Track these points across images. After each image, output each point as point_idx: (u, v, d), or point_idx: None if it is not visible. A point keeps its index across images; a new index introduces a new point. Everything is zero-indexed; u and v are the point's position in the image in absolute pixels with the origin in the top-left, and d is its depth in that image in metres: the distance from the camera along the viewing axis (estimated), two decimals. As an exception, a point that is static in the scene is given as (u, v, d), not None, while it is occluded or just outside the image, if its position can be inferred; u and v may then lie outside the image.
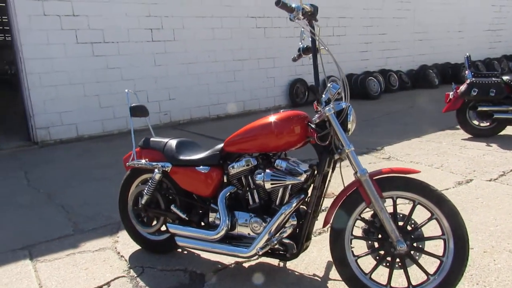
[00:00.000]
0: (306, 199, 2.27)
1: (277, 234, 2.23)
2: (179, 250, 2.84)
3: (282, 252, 2.33)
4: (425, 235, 2.13)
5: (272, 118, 2.27)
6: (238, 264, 2.64)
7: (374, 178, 2.11)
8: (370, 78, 10.00)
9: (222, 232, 2.35)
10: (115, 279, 2.57)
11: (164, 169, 2.59)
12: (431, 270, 2.08)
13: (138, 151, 2.78)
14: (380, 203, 2.04)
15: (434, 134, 5.97)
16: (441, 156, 4.82)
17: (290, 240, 2.29)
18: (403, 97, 9.97)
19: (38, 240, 3.15)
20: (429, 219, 2.10)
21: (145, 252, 2.86)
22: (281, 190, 2.28)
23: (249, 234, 2.33)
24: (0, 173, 5.07)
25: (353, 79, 9.99)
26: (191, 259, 2.71)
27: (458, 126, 5.83)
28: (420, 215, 2.16)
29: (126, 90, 2.91)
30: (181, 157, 2.55)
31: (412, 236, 2.11)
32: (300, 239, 2.27)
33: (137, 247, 2.91)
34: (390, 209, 2.09)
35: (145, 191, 2.67)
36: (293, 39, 9.13)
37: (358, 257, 2.17)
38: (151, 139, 2.78)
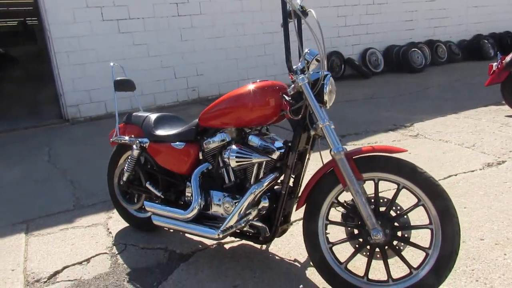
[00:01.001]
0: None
1: (250, 216, 2.06)
2: (165, 228, 2.75)
3: (256, 235, 2.15)
4: (412, 224, 1.86)
5: (245, 89, 2.07)
6: (219, 245, 2.51)
7: (353, 157, 1.85)
8: (413, 49, 9.27)
9: (194, 212, 2.21)
10: (96, 255, 2.54)
11: (142, 145, 2.49)
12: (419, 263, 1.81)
13: (122, 127, 2.69)
14: (356, 185, 1.79)
15: (475, 110, 5.40)
16: (475, 134, 4.34)
17: (264, 223, 2.10)
18: (450, 70, 9.18)
19: (39, 214, 3.21)
20: (415, 206, 1.83)
21: (132, 229, 2.81)
22: (255, 168, 2.09)
23: (222, 214, 2.18)
24: (27, 148, 5.28)
25: (394, 51, 9.34)
26: (174, 239, 2.62)
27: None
28: (410, 201, 1.89)
29: (111, 64, 2.83)
30: (158, 133, 2.42)
31: (396, 224, 1.85)
32: (274, 222, 2.08)
33: (127, 224, 2.87)
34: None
35: (125, 167, 2.59)
36: (328, 9, 8.65)
37: (333, 244, 1.95)
38: (133, 114, 2.67)
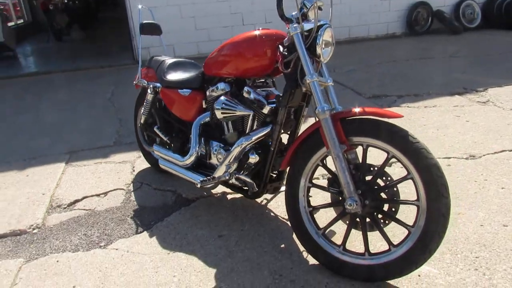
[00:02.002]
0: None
1: (231, 169, 2.02)
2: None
3: (245, 189, 2.12)
4: (401, 198, 1.68)
5: (243, 36, 1.96)
6: (223, 195, 2.53)
7: (340, 118, 1.69)
8: (521, 2, 7.95)
9: (191, 159, 2.23)
10: (114, 190, 2.73)
11: (156, 89, 2.53)
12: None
13: (144, 70, 2.75)
14: (337, 148, 1.64)
15: None
16: (559, 106, 3.69)
17: (254, 178, 2.06)
18: None
19: (82, 147, 3.50)
20: (404, 178, 1.64)
21: (152, 170, 2.95)
22: (249, 121, 2.02)
23: (217, 164, 2.17)
24: (97, 86, 5.70)
25: (496, 3, 8.10)
26: (185, 183, 2.68)
27: None
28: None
29: (139, 7, 2.84)
30: (169, 78, 2.43)
31: (381, 196, 1.68)
32: (262, 178, 2.02)
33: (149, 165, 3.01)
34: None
35: (142, 110, 2.67)
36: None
37: (314, 208, 1.84)
38: (154, 58, 2.70)
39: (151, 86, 2.53)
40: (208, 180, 2.03)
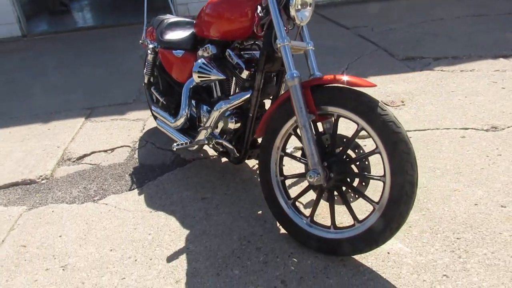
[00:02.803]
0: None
1: (207, 134, 2.01)
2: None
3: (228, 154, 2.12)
4: (369, 173, 1.60)
5: None
6: (218, 158, 2.55)
7: (310, 85, 1.60)
8: None
9: (181, 120, 2.25)
10: (121, 147, 2.84)
11: (155, 49, 2.53)
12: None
13: (149, 30, 2.74)
14: (303, 118, 1.56)
15: None
16: None
17: (236, 144, 2.04)
18: None
19: (104, 103, 3.65)
20: (371, 153, 1.54)
21: (158, 129, 3.01)
22: (232, 85, 1.98)
23: (205, 128, 2.16)
24: (130, 42, 5.82)
25: None
26: (185, 144, 2.72)
27: None
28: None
29: (146, -38, 2.79)
30: (165, 38, 2.41)
31: (350, 169, 1.61)
32: (243, 144, 2.00)
33: (159, 123, 3.07)
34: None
35: (144, 70, 2.69)
36: None
37: (286, 177, 1.80)
38: (157, 17, 2.68)
39: (150, 46, 2.53)
40: (183, 144, 2.04)
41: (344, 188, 1.63)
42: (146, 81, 2.74)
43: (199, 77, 1.93)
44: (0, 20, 6.59)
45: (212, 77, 1.90)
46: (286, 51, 1.61)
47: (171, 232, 1.92)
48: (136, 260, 1.76)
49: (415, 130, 2.64)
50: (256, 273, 1.63)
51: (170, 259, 1.75)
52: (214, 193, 2.18)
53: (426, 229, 1.77)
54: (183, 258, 1.75)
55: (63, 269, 1.75)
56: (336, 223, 1.66)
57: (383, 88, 3.41)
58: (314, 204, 1.71)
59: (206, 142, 2.03)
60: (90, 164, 2.66)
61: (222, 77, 1.88)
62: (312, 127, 1.59)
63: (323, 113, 1.61)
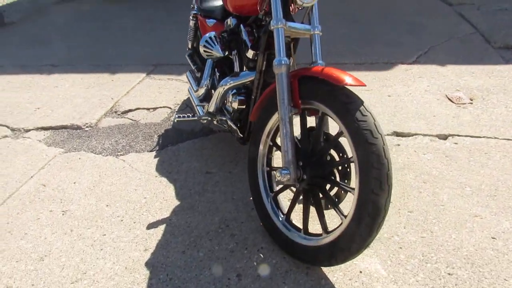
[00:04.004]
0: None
1: (211, 109, 1.97)
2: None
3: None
4: (340, 180, 1.43)
5: None
6: (220, 133, 2.51)
7: (300, 75, 1.46)
8: None
9: (201, 91, 2.24)
10: (162, 107, 2.95)
11: (196, 15, 2.51)
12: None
13: (199, -5, 2.72)
14: (284, 110, 1.45)
15: None
16: None
17: (239, 124, 1.97)
18: None
19: (167, 61, 3.79)
20: (347, 160, 1.38)
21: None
22: (240, 63, 1.90)
23: (221, 102, 2.13)
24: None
25: None
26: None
27: None
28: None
29: None
30: (202, 6, 2.37)
31: (328, 172, 1.46)
32: (245, 125, 1.93)
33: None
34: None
35: (188, 36, 2.70)
36: None
37: (272, 169, 1.70)
38: (204, -17, 2.63)
39: (192, 12, 2.51)
40: (185, 117, 2.03)
41: (319, 193, 1.49)
42: (190, 46, 2.76)
43: (204, 51, 1.88)
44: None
45: (214, 53, 1.83)
46: (278, 34, 1.47)
47: (163, 200, 1.97)
48: (122, 220, 1.86)
49: (466, 136, 2.27)
50: (218, 260, 1.60)
51: (150, 226, 1.81)
52: (219, 169, 2.17)
53: (417, 254, 1.56)
54: (161, 228, 1.80)
55: (62, 214, 1.93)
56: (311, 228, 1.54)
57: (457, 80, 2.97)
58: (290, 203, 1.60)
59: (209, 118, 2.00)
60: (131, 119, 2.82)
61: (221, 54, 1.81)
62: (292, 122, 1.45)
63: (309, 108, 1.46)
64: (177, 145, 2.44)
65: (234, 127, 1.96)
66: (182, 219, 1.84)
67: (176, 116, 2.08)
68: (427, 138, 2.28)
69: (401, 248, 1.59)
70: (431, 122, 2.44)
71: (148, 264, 1.61)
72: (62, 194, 2.07)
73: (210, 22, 2.23)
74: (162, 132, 2.62)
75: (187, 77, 2.57)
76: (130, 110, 2.94)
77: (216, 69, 2.20)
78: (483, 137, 2.25)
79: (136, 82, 3.39)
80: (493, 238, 1.60)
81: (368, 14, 4.77)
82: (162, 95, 3.14)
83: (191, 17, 2.56)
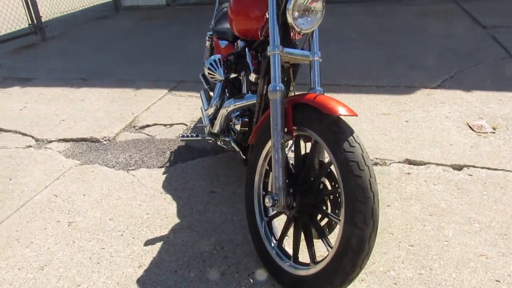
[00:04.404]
0: None
1: (216, 130, 1.99)
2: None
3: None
4: (329, 210, 1.40)
5: None
6: (229, 153, 2.50)
7: (293, 102, 1.45)
8: None
9: (211, 110, 2.27)
10: (179, 123, 3.01)
11: (211, 36, 2.56)
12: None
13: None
14: (276, 136, 1.44)
15: None
16: None
17: (242, 145, 1.98)
18: None
19: (191, 78, 3.87)
20: (334, 192, 1.35)
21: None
22: (245, 85, 1.91)
23: (227, 123, 2.15)
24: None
25: None
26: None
27: None
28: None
29: None
30: (216, 27, 2.42)
31: (324, 202, 1.44)
32: (248, 147, 1.93)
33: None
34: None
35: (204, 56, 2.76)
36: None
37: (267, 193, 1.69)
38: (224, 3, 2.68)
39: (208, 33, 2.57)
40: (190, 137, 2.05)
41: (310, 221, 1.46)
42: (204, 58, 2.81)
43: (208, 73, 1.91)
44: (152, -10, 7.42)
45: (216, 76, 1.86)
46: (274, 60, 1.47)
47: (164, 217, 2.00)
48: (122, 235, 1.90)
49: (483, 167, 2.16)
50: (207, 282, 1.60)
51: (147, 243, 1.84)
52: (223, 189, 2.18)
53: (411, 292, 1.49)
54: (157, 245, 1.81)
55: (68, 225, 1.99)
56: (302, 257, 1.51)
57: (481, 107, 2.85)
58: (282, 230, 1.58)
59: (213, 139, 2.01)
60: (147, 134, 2.89)
61: (222, 78, 1.83)
62: (284, 148, 1.44)
63: (302, 134, 1.45)
64: (186, 163, 2.47)
65: (237, 148, 1.96)
66: (180, 237, 1.85)
67: (181, 135, 2.12)
68: (440, 167, 2.20)
69: (395, 284, 1.52)
70: (447, 150, 2.34)
71: (139, 282, 1.63)
72: (71, 205, 2.14)
73: (223, 43, 2.27)
74: (175, 149, 2.66)
75: (200, 95, 2.61)
76: (147, 126, 3.02)
77: (226, 90, 2.22)
78: (501, 169, 2.14)
79: (158, 98, 3.48)
80: (497, 281, 1.50)
81: (397, 35, 4.69)
82: (180, 111, 3.20)
83: (207, 38, 2.61)
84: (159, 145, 2.73)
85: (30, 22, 5.62)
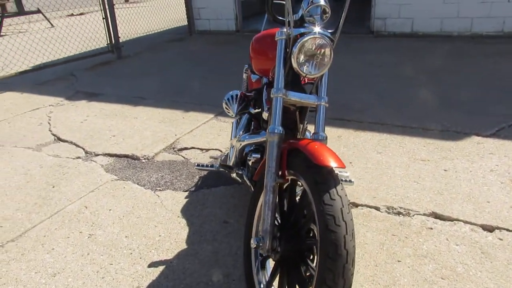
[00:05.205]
0: None
1: (231, 163, 2.03)
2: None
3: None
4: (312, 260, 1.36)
5: (261, 33, 1.86)
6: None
7: (289, 147, 1.46)
8: None
9: (234, 141, 2.31)
10: (215, 149, 3.10)
11: (247, 69, 2.64)
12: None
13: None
14: (269, 178, 1.45)
15: None
16: None
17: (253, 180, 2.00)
18: None
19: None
20: (314, 242, 1.32)
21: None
22: (261, 122, 1.95)
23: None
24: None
25: None
26: (259, 163, 2.77)
27: None
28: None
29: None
30: (250, 62, 2.48)
31: (302, 247, 1.42)
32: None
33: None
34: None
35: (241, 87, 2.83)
36: None
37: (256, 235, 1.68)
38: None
39: (245, 66, 2.65)
40: (203, 166, 2.11)
41: (293, 268, 1.43)
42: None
43: (225, 108, 1.96)
44: (223, 16, 7.79)
45: (230, 111, 1.90)
46: (276, 103, 1.49)
47: (174, 241, 2.06)
48: (131, 253, 1.99)
49: (505, 230, 1.96)
50: (194, 313, 1.62)
51: (151, 265, 1.91)
52: (237, 220, 2.20)
53: None
54: (159, 269, 1.88)
55: (88, 237, 2.14)
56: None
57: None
58: (270, 274, 1.55)
59: (226, 171, 2.05)
60: (183, 157, 3.02)
61: (233, 114, 1.87)
62: (276, 191, 1.44)
63: (295, 179, 1.44)
64: (210, 189, 2.54)
65: (249, 183, 1.98)
66: (182, 264, 1.90)
67: (197, 163, 2.19)
68: (468, 226, 2.02)
69: None
70: (481, 208, 2.15)
71: (133, 302, 1.69)
72: (96, 218, 2.30)
73: (254, 77, 2.33)
74: (204, 174, 2.75)
75: (232, 124, 2.68)
76: (185, 148, 3.15)
77: (253, 122, 2.27)
78: (539, 237, 1.92)
79: (202, 122, 3.63)
80: None
81: (461, 76, 4.44)
82: (219, 137, 3.30)
83: (244, 70, 2.69)
84: (192, 168, 2.83)
85: (108, 42, 6.18)
